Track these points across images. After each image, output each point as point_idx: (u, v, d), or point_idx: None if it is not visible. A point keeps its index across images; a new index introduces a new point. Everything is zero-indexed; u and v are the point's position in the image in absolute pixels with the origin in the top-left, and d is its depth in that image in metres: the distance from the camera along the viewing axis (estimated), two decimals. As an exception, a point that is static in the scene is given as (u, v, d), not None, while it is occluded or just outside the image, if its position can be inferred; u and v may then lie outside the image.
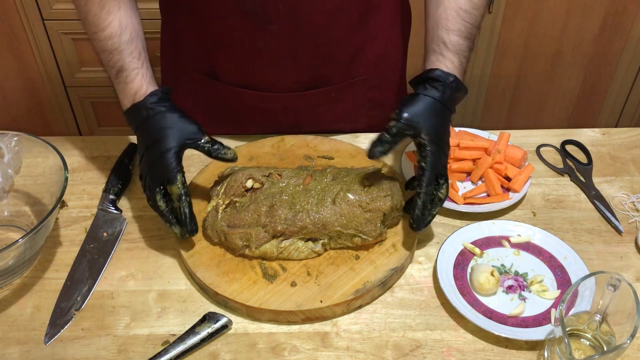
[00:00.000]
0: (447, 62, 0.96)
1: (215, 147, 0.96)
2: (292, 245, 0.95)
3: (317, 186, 0.99)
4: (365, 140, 1.21)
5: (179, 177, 0.93)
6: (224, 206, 0.99)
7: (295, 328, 0.90)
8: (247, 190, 1.00)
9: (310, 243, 0.96)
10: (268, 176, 1.01)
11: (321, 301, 0.90)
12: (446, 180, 0.94)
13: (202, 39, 1.10)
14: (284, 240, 0.95)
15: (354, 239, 0.96)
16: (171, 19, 1.17)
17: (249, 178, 1.01)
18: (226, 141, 1.20)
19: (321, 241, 0.96)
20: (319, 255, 0.96)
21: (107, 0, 0.96)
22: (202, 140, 0.95)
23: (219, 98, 1.19)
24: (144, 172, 0.96)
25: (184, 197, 0.93)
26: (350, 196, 0.97)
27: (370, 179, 1.00)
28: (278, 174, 1.01)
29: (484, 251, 0.99)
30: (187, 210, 0.94)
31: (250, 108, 1.19)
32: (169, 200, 0.95)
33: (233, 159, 0.98)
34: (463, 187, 1.11)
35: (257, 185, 1.00)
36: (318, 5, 1.04)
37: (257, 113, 1.20)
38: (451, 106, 0.95)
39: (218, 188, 1.02)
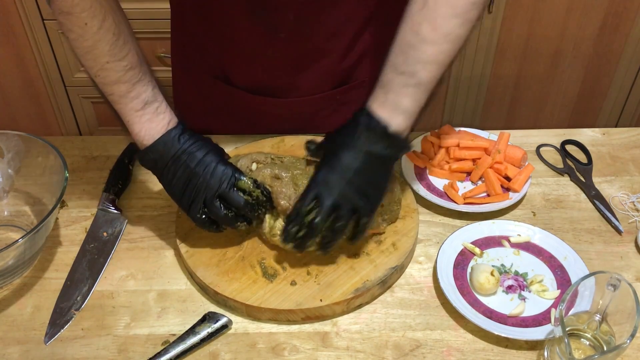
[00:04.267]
0: (373, 100, 0.91)
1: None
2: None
3: None
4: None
5: (243, 177, 0.92)
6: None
7: (295, 328, 0.90)
8: None
9: None
10: (272, 159, 1.01)
11: (321, 300, 0.90)
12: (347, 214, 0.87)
13: (212, 43, 1.11)
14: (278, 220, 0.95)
15: None
16: (181, 21, 1.17)
17: (254, 161, 1.00)
18: (227, 140, 1.21)
19: None
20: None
21: (123, 28, 0.89)
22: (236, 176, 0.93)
23: (228, 100, 1.20)
24: (192, 193, 0.91)
25: (255, 186, 0.93)
26: None
27: None
28: (280, 160, 1.02)
29: (484, 251, 0.99)
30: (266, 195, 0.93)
31: (258, 112, 1.19)
32: (226, 206, 0.92)
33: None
34: (463, 187, 1.11)
35: (261, 167, 1.00)
36: (326, 14, 1.04)
37: (265, 117, 1.20)
38: (379, 157, 0.89)
39: None
